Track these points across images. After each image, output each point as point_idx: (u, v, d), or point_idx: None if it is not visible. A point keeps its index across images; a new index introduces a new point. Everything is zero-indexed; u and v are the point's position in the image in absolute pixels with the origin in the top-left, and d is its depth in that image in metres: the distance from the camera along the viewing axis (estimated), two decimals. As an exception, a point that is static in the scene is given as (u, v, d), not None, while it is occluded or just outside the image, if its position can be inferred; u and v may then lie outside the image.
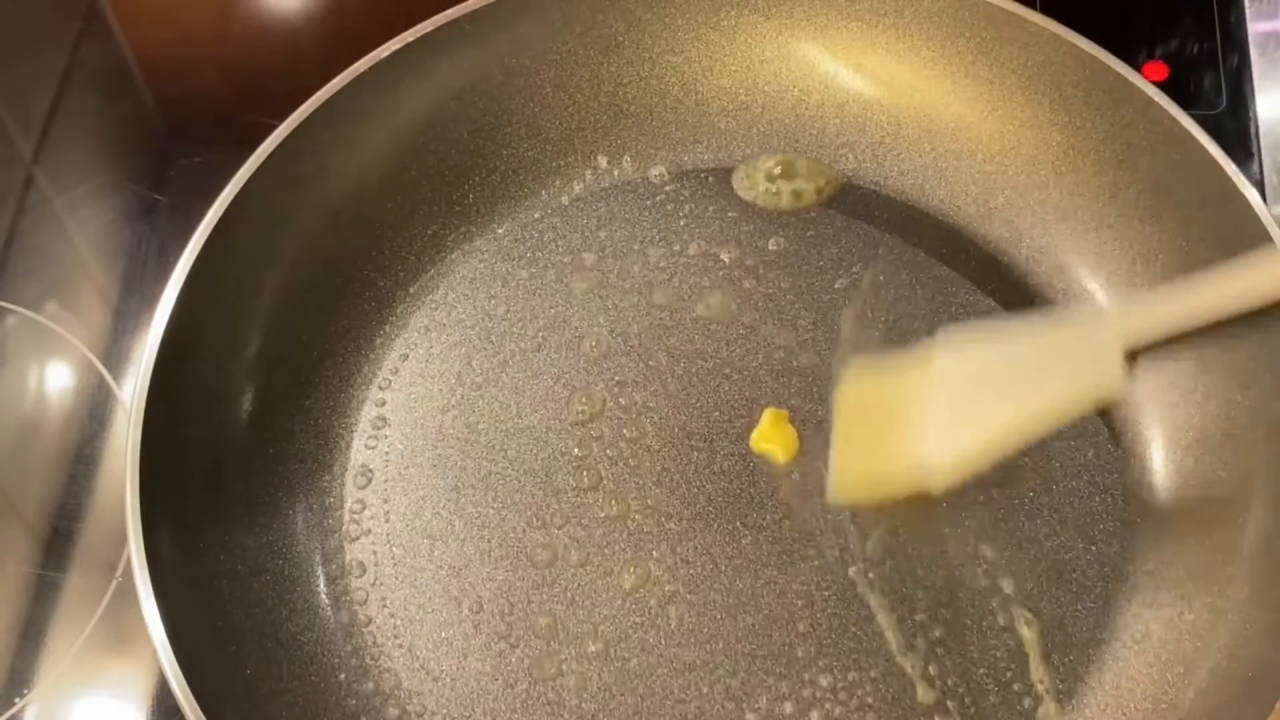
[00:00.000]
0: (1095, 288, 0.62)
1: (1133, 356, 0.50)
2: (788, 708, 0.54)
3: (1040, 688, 0.54)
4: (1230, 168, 0.56)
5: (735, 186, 0.66)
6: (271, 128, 0.58)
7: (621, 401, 0.61)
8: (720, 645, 0.56)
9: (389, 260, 0.64)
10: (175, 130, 0.76)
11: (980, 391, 0.53)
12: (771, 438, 0.60)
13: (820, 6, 0.65)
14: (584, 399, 0.61)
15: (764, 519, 0.58)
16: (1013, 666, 0.55)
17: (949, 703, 0.54)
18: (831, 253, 0.64)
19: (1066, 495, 0.58)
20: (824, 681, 0.55)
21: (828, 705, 0.54)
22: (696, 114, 0.67)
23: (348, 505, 0.59)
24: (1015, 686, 0.54)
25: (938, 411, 0.53)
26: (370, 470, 0.60)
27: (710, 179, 0.67)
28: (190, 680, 0.48)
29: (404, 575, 0.58)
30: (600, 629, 0.56)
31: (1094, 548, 0.57)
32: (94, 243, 0.72)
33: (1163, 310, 0.52)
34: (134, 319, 0.67)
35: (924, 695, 0.54)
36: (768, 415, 0.60)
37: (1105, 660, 0.55)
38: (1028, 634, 0.55)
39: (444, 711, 0.55)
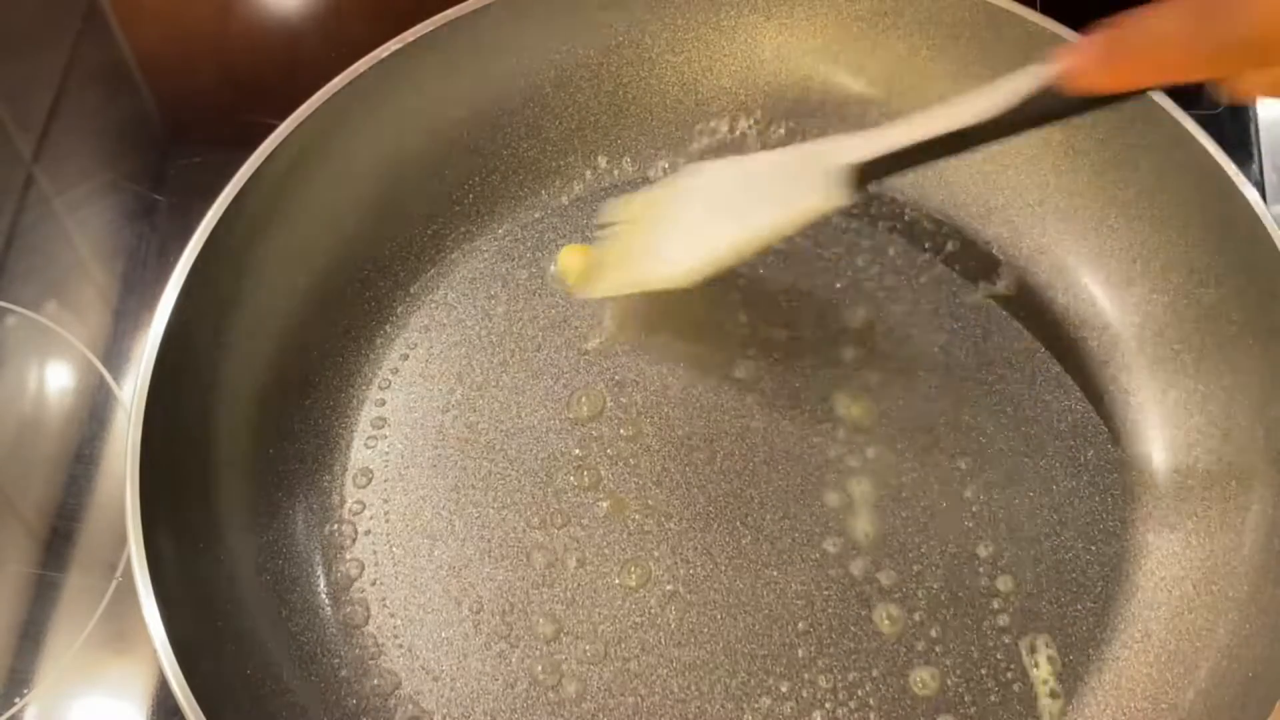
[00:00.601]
0: (1095, 288, 0.62)
1: (861, 174, 0.52)
2: (788, 708, 0.54)
3: (1040, 687, 0.54)
4: (1230, 168, 0.56)
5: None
6: (271, 128, 0.58)
7: (621, 401, 0.61)
8: (720, 645, 0.56)
9: (389, 260, 0.64)
10: (175, 130, 0.76)
11: (719, 204, 0.57)
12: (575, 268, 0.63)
13: (820, 6, 0.65)
14: (584, 399, 0.61)
15: (764, 519, 0.58)
16: (1013, 666, 0.55)
17: (949, 703, 0.54)
18: (831, 253, 0.64)
19: (1066, 495, 0.58)
20: (824, 681, 0.55)
21: (828, 705, 0.54)
22: (696, 114, 0.67)
23: (348, 505, 0.59)
24: (1015, 687, 0.54)
25: (682, 220, 0.58)
26: (370, 470, 0.60)
27: (710, 179, 0.67)
28: (190, 680, 0.48)
29: (404, 575, 0.58)
30: (600, 629, 0.56)
31: (1094, 548, 0.57)
32: (94, 243, 0.72)
33: (888, 134, 0.52)
34: (134, 319, 0.67)
35: (924, 695, 0.54)
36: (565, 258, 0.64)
37: (1105, 660, 0.55)
38: (1028, 634, 0.55)
39: (444, 711, 0.55)
